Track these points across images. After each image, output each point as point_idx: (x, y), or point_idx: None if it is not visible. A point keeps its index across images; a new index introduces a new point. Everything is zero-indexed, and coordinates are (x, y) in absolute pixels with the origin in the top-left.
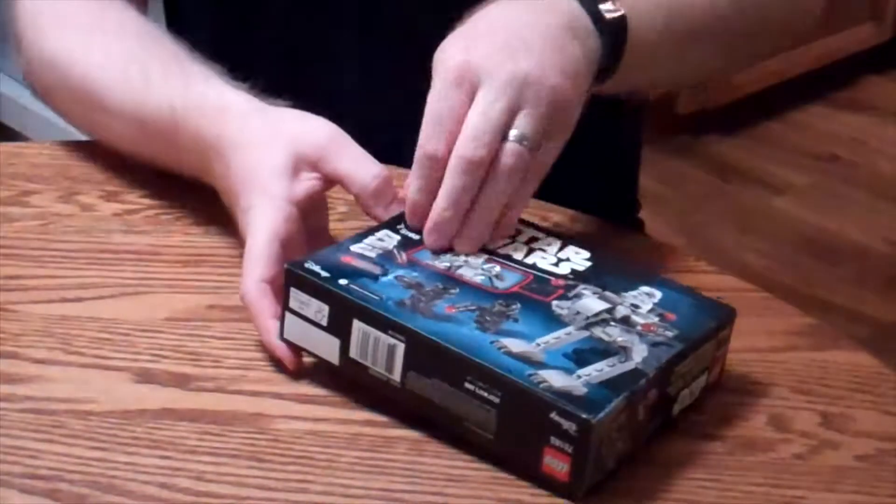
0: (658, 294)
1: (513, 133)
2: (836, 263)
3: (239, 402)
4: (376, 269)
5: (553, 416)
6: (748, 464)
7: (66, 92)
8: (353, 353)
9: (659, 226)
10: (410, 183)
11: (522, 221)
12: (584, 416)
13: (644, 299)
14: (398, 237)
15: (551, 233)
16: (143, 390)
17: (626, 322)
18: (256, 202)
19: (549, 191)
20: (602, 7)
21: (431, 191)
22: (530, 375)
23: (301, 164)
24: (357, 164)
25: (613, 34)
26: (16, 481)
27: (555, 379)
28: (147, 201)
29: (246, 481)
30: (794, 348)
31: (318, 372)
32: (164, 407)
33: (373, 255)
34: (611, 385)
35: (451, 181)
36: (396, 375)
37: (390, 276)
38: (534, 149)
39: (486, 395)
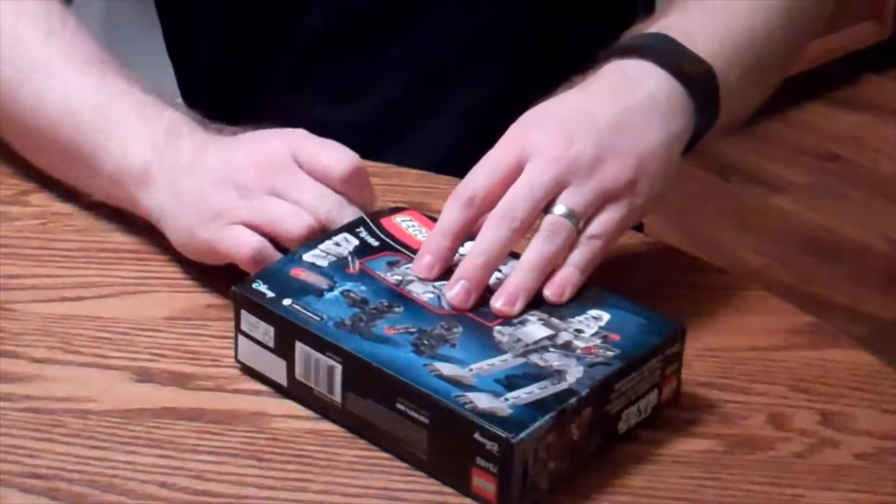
0: (606, 317)
1: (557, 206)
2: (835, 262)
3: (238, 400)
4: (324, 283)
5: (476, 436)
6: (747, 462)
7: (6, 64)
8: (298, 374)
9: (658, 224)
10: (439, 222)
11: None
12: (504, 435)
13: (590, 323)
14: (356, 242)
15: (512, 254)
16: (142, 389)
17: (566, 347)
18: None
19: None
20: (687, 66)
21: (454, 232)
22: (457, 396)
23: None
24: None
25: (703, 91)
26: (15, 480)
27: (481, 400)
28: None
29: (245, 480)
30: (794, 347)
31: None
32: (163, 406)
33: (325, 263)
34: (538, 405)
35: (488, 232)
36: (337, 396)
37: (336, 292)
38: (574, 223)
39: (416, 415)
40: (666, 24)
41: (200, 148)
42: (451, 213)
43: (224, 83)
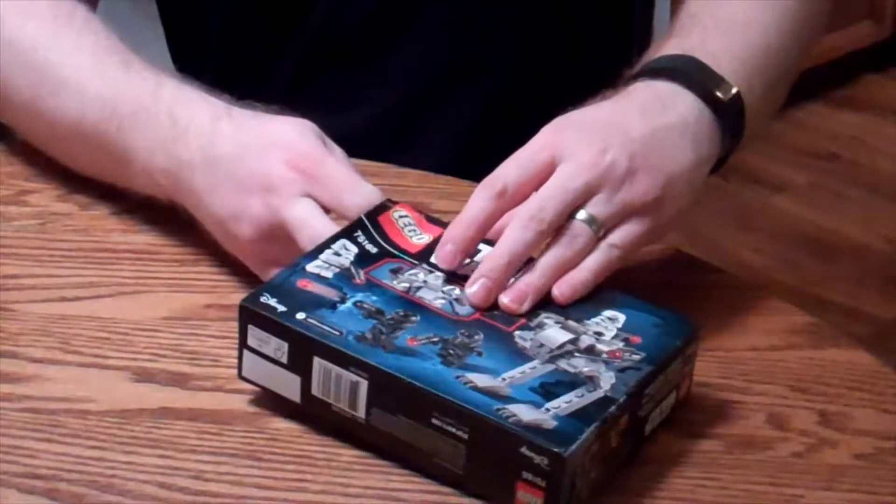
0: (622, 318)
1: (580, 212)
2: (834, 262)
3: (237, 401)
4: (334, 295)
5: (524, 450)
6: (746, 462)
7: (20, 71)
8: (315, 390)
9: None
10: (463, 211)
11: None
12: (555, 449)
13: (608, 325)
14: (355, 249)
15: None
16: (141, 389)
17: (590, 351)
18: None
19: None
20: (718, 92)
21: (479, 223)
22: (498, 410)
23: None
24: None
25: (732, 116)
26: (14, 481)
27: (523, 412)
28: (145, 200)
29: (244, 480)
30: (793, 347)
31: None
32: (162, 406)
33: (329, 274)
34: (581, 415)
35: (515, 232)
36: (361, 412)
37: (349, 304)
38: (595, 231)
39: (453, 430)
40: (691, 45)
41: (208, 141)
42: (479, 202)
43: (226, 90)
